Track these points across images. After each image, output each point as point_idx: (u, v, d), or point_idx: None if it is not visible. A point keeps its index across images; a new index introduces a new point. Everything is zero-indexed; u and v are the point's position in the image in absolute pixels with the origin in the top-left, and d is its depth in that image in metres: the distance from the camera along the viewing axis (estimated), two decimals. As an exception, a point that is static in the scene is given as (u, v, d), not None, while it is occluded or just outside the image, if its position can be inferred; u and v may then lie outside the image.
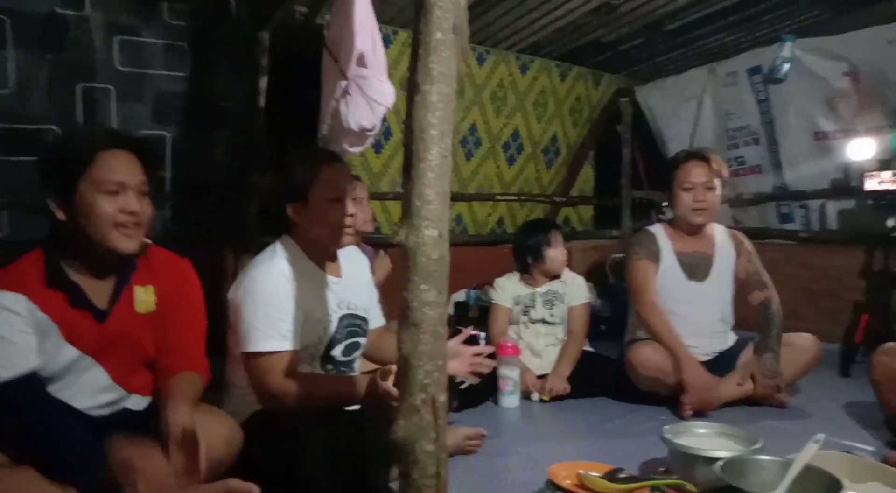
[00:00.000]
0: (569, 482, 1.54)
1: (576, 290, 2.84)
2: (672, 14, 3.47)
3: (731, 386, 2.45)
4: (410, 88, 1.10)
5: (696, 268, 2.58)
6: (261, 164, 2.94)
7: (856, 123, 3.50)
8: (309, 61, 2.51)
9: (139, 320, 1.46)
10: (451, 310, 3.74)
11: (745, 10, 3.42)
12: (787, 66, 3.64)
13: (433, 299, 1.08)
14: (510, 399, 2.52)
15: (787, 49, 3.60)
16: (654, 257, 2.57)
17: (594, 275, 4.30)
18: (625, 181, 4.71)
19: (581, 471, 1.56)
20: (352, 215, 1.72)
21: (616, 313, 4.08)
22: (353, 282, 1.84)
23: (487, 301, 3.67)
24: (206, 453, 1.28)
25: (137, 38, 2.79)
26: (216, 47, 2.96)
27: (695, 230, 2.60)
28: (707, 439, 1.73)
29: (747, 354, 2.54)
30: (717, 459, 1.46)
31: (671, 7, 3.39)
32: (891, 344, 2.04)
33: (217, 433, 1.40)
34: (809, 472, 1.39)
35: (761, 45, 3.80)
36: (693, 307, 2.55)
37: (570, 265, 3.13)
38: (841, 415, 2.35)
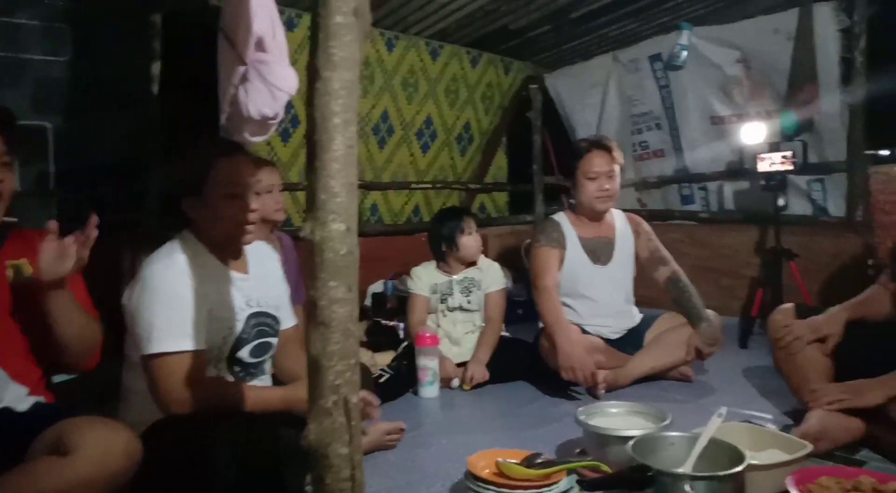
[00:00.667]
0: (487, 471, 1.54)
1: (492, 276, 2.86)
2: (577, 1, 3.54)
3: (642, 363, 2.55)
4: (311, 74, 1.04)
5: (600, 252, 2.69)
6: (157, 155, 2.76)
7: (748, 108, 3.71)
8: (206, 45, 2.37)
9: (9, 293, 1.38)
10: (368, 301, 3.68)
11: (644, -2, 3.54)
12: (685, 54, 3.80)
13: (342, 297, 1.03)
14: (430, 389, 2.51)
15: (684, 37, 3.77)
16: (558, 243, 2.64)
17: (510, 260, 4.35)
18: (536, 167, 4.78)
19: (499, 459, 1.56)
20: (253, 211, 1.61)
21: (532, 296, 4.17)
22: (262, 278, 1.74)
23: (405, 291, 3.64)
24: (103, 467, 1.19)
25: (10, 20, 2.54)
26: (101, 30, 2.74)
27: (597, 217, 2.70)
28: (619, 418, 1.78)
29: (656, 328, 2.65)
30: (629, 438, 1.50)
31: (576, -6, 3.45)
32: (785, 304, 2.17)
33: (114, 445, 1.29)
34: (714, 445, 1.45)
35: (661, 33, 3.95)
36: (600, 290, 2.67)
37: (486, 252, 3.15)
38: (741, 386, 2.50)
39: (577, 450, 1.78)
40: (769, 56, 3.50)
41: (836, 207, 3.48)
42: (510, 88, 4.62)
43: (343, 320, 1.03)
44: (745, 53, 3.63)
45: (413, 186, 4.18)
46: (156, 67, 2.69)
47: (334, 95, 1.03)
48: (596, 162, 2.61)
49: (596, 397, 2.37)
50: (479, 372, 2.59)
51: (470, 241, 2.81)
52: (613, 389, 2.45)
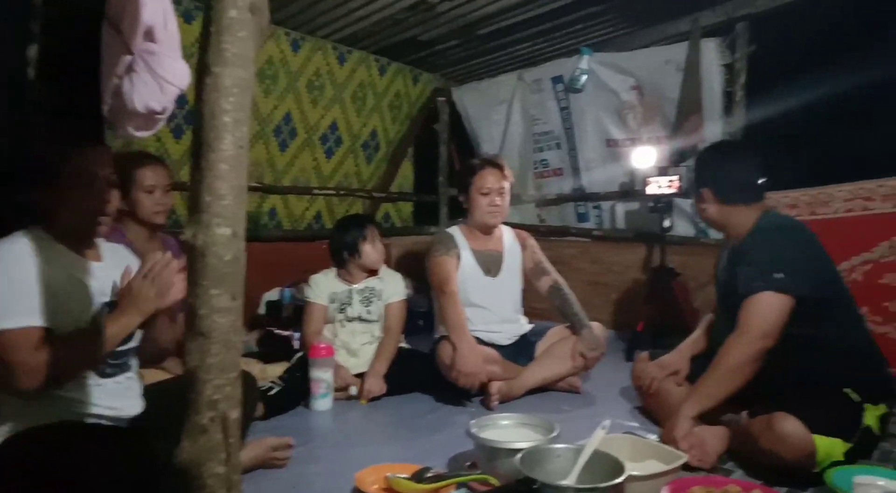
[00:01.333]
0: (376, 486, 1.51)
1: (393, 286, 2.83)
2: (485, 18, 3.61)
3: (534, 374, 2.62)
4: (200, 69, 0.98)
5: (491, 264, 2.79)
6: (35, 145, 2.52)
7: (641, 133, 3.92)
8: (90, 30, 2.19)
9: None
10: (262, 310, 3.54)
11: (549, 20, 3.65)
12: (584, 78, 3.96)
13: (225, 306, 0.97)
14: (323, 402, 2.44)
15: (584, 61, 3.93)
16: (455, 254, 2.73)
17: (413, 270, 4.34)
18: (442, 179, 4.83)
19: (389, 474, 1.53)
20: (107, 202, 1.51)
21: (433, 308, 4.18)
22: (117, 269, 1.62)
23: (303, 300, 3.53)
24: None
25: None
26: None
27: (488, 230, 2.82)
28: (510, 430, 1.81)
29: (547, 341, 2.74)
30: (517, 450, 1.52)
31: (484, 11, 3.51)
32: (642, 353, 2.44)
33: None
34: (597, 456, 1.49)
35: (563, 56, 4.10)
36: (492, 299, 2.76)
37: (388, 261, 3.12)
38: (627, 398, 2.60)
39: (468, 463, 1.79)
40: (661, 85, 3.72)
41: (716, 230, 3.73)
42: (418, 99, 4.64)
43: (224, 330, 0.97)
44: (639, 81, 3.83)
45: (315, 191, 4.09)
46: (32, 50, 2.46)
47: (224, 93, 0.98)
48: (488, 179, 2.73)
49: (490, 408, 2.41)
50: (376, 385, 2.55)
51: (372, 249, 2.78)
52: (507, 400, 2.50)
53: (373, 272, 2.83)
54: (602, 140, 4.11)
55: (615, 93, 3.94)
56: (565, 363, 2.64)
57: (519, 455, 1.48)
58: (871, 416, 1.81)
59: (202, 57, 0.98)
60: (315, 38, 3.79)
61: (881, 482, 1.48)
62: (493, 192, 2.72)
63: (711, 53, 3.50)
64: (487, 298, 2.75)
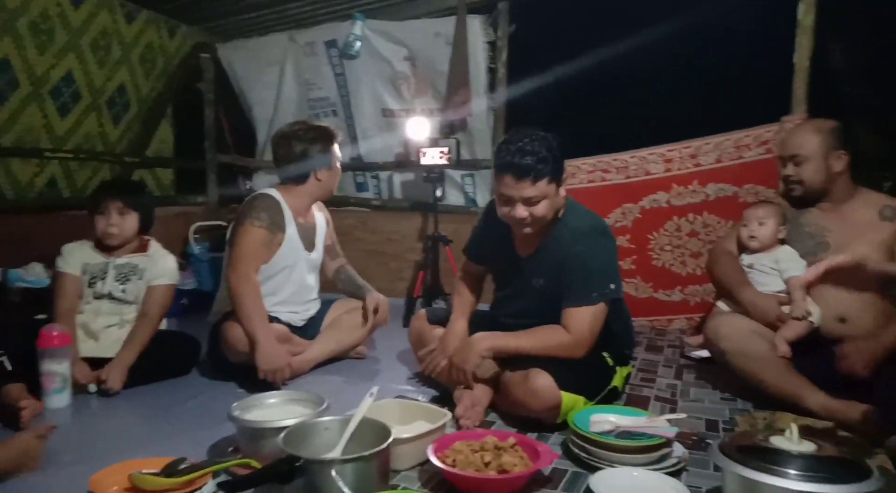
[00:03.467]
0: (116, 488, 1.32)
1: (161, 267, 2.46)
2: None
3: (322, 348, 2.56)
4: None
5: (309, 238, 2.61)
6: None
7: (415, 104, 3.97)
8: None
9: None
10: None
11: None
12: (358, 44, 3.89)
13: None
14: (58, 398, 2.09)
15: (358, 27, 3.85)
16: (277, 227, 2.45)
17: (176, 244, 3.96)
18: (209, 144, 4.45)
19: (134, 472, 1.35)
20: None
21: (201, 284, 3.86)
22: None
23: (36, 282, 3.03)
24: None
25: None
26: None
27: (311, 203, 2.62)
28: (276, 408, 1.71)
29: (332, 314, 2.68)
30: (281, 429, 1.44)
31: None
32: (420, 311, 2.43)
33: None
34: (365, 424, 1.47)
35: (337, 20, 3.97)
36: (305, 276, 2.60)
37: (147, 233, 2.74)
38: (405, 362, 2.65)
39: (231, 448, 1.66)
40: (432, 57, 3.79)
41: (483, 198, 3.95)
42: (177, 54, 4.17)
43: None
44: (411, 52, 3.86)
45: (47, 154, 3.48)
46: None
47: None
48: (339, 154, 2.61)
49: (276, 387, 2.24)
50: (116, 379, 2.22)
51: (106, 223, 2.38)
52: (294, 376, 2.37)
53: (140, 248, 2.48)
54: (378, 109, 4.09)
55: (389, 62, 3.93)
56: (353, 335, 2.64)
57: (282, 435, 1.39)
58: (619, 377, 2.08)
59: None
60: (38, -30, 3.18)
61: (612, 417, 1.67)
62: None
63: (477, 30, 3.64)
64: (302, 274, 2.57)
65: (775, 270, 2.23)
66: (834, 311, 2.07)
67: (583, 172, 3.38)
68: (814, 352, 2.04)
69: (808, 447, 1.25)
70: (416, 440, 1.59)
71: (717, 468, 1.49)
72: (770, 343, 2.06)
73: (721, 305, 2.37)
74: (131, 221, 2.44)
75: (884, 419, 1.65)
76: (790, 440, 1.27)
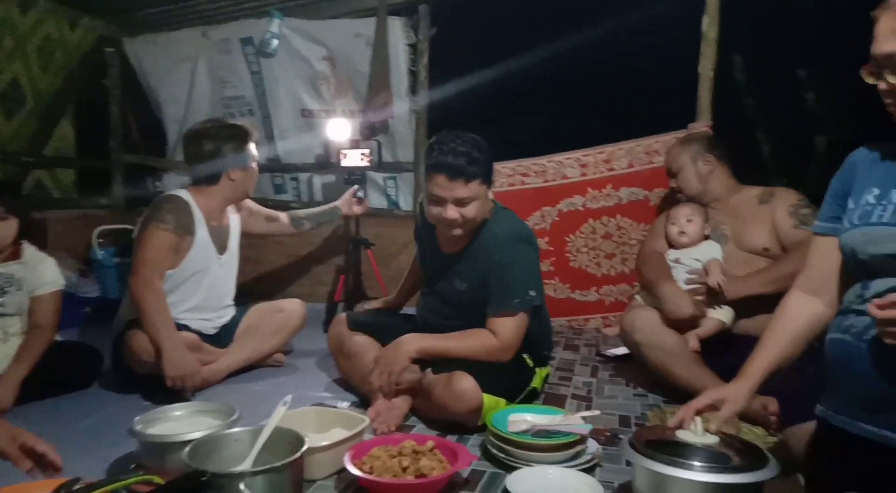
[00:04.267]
0: (-3, 517, 1.21)
1: (41, 274, 2.27)
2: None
3: (235, 356, 2.47)
4: None
5: (222, 241, 2.50)
6: None
7: (335, 105, 3.91)
8: None
9: None
10: None
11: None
12: (275, 42, 3.79)
13: None
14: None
15: (275, 25, 3.75)
16: (185, 230, 2.33)
17: (78, 249, 3.73)
18: (115, 143, 4.21)
19: (19, 497, 1.24)
20: None
21: (106, 291, 3.64)
22: None
23: None
24: None
25: None
26: None
27: (224, 204, 2.51)
28: (183, 421, 1.62)
29: (246, 321, 2.58)
30: (187, 442, 1.36)
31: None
32: (341, 315, 2.36)
33: None
34: (277, 434, 1.42)
35: (253, 17, 3.86)
36: (217, 281, 2.49)
37: (44, 241, 2.55)
38: (321, 369, 2.58)
39: (133, 465, 1.56)
40: (352, 58, 3.74)
41: (405, 201, 3.94)
42: (78, 47, 3.93)
43: None
44: (331, 51, 3.80)
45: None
46: None
47: None
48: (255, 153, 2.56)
49: (186, 398, 2.13)
50: (4, 396, 2.04)
51: None
52: (207, 386, 2.28)
53: (13, 254, 2.29)
54: (297, 109, 4.00)
55: (308, 62, 3.85)
56: (269, 342, 2.55)
57: (187, 449, 1.32)
58: (539, 378, 2.12)
59: None
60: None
61: (529, 417, 1.69)
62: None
63: (398, 32, 3.62)
64: (214, 280, 2.46)
65: (699, 261, 2.33)
66: (742, 310, 2.19)
67: (503, 175, 3.43)
68: (723, 349, 2.14)
69: (711, 439, 1.30)
70: (332, 448, 1.55)
71: (628, 463, 1.53)
72: (682, 338, 2.15)
73: (639, 298, 2.46)
74: (10, 228, 2.22)
75: (782, 409, 1.75)
76: (695, 434, 1.32)
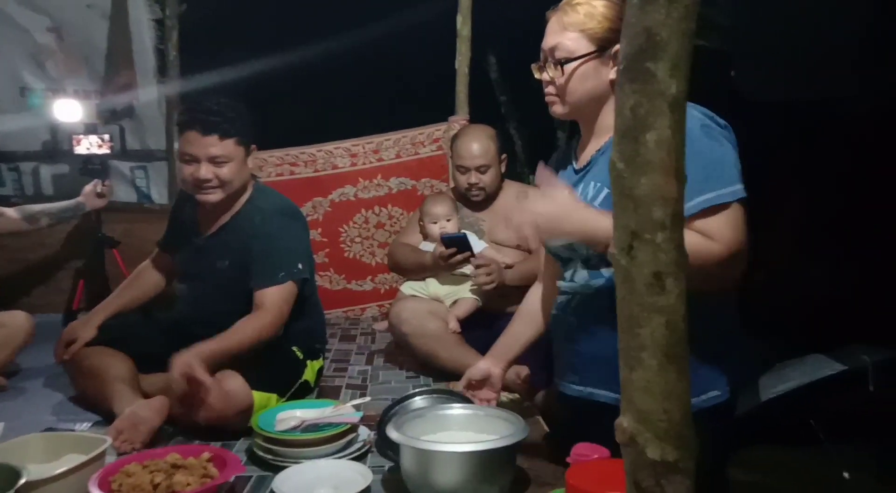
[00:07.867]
0: None
1: None
2: None
3: None
4: None
5: None
6: None
7: (64, 84, 3.40)
8: None
9: None
10: None
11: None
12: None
13: None
14: None
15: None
16: None
17: None
18: None
19: None
20: None
21: None
22: None
23: None
24: None
25: None
26: None
27: None
28: None
29: None
30: None
31: None
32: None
33: None
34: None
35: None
36: None
37: None
38: (53, 388, 2.22)
39: None
40: (84, 31, 3.30)
41: (159, 194, 3.57)
42: None
43: None
44: (56, 22, 3.30)
45: None
46: None
47: None
48: None
49: None
50: None
51: None
52: None
53: None
54: (16, 87, 3.40)
55: (27, 32, 3.31)
56: None
57: None
58: (311, 371, 2.04)
59: None
60: None
61: (298, 412, 1.63)
62: None
63: (140, 5, 3.29)
64: None
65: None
66: (496, 290, 2.34)
67: (270, 165, 3.28)
68: (481, 326, 2.29)
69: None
70: (64, 476, 1.32)
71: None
72: (444, 322, 2.26)
73: (403, 289, 2.50)
74: None
75: (533, 377, 1.94)
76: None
